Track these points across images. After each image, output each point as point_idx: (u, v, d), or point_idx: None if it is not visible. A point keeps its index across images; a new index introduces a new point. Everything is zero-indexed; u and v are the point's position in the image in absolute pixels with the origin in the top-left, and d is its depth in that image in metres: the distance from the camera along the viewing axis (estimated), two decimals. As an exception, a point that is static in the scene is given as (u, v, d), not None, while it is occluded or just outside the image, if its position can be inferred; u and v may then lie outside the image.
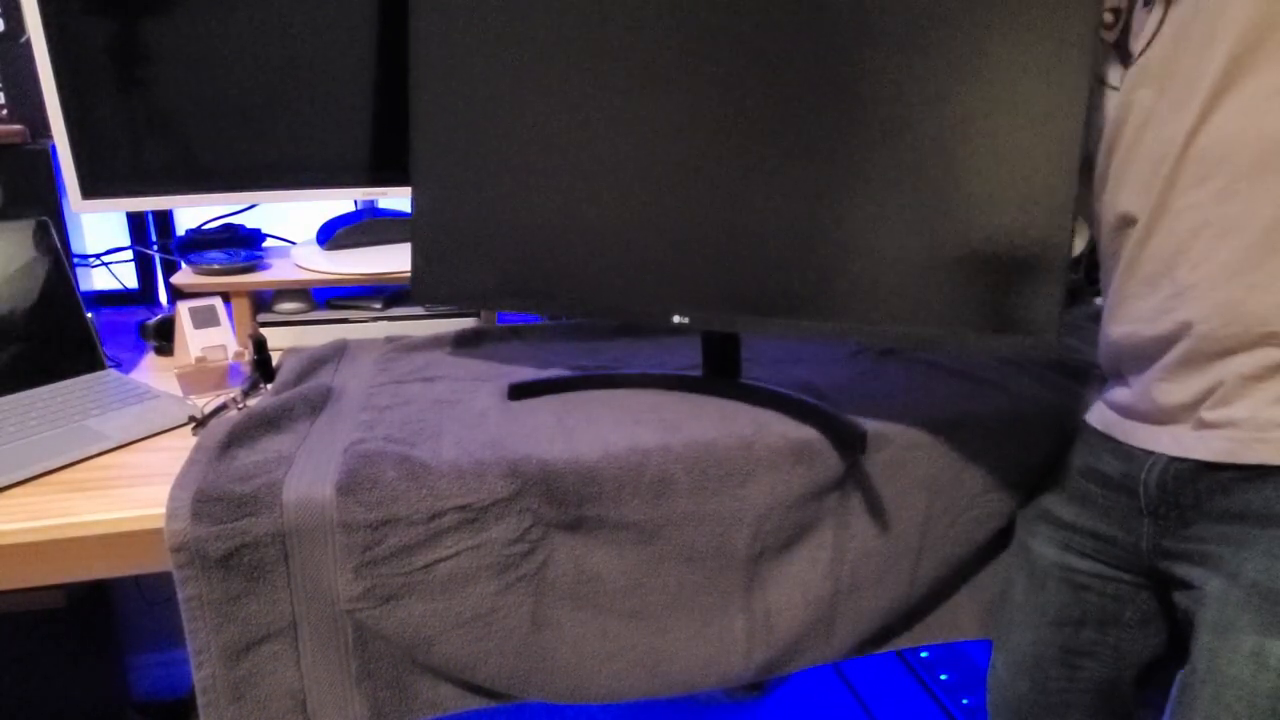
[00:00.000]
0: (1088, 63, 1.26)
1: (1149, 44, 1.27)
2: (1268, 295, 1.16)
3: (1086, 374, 1.65)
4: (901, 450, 1.48)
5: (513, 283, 1.57)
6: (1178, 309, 1.26)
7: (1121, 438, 1.39)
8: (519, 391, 1.57)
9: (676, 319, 1.54)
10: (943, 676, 2.84)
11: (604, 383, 1.66)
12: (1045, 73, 1.27)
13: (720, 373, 1.64)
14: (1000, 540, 1.61)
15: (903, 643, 1.63)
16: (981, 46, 1.30)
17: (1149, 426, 1.34)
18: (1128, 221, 1.31)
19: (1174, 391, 1.29)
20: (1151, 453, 1.33)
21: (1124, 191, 1.32)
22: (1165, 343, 1.29)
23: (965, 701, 2.72)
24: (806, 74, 1.42)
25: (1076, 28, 1.25)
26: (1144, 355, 1.34)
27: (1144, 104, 1.29)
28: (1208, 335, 1.23)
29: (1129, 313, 1.34)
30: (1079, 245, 2.22)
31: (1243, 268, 1.18)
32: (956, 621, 1.64)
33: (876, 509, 1.50)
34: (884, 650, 1.63)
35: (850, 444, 1.46)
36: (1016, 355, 1.73)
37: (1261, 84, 1.14)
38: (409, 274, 1.89)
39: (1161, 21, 1.25)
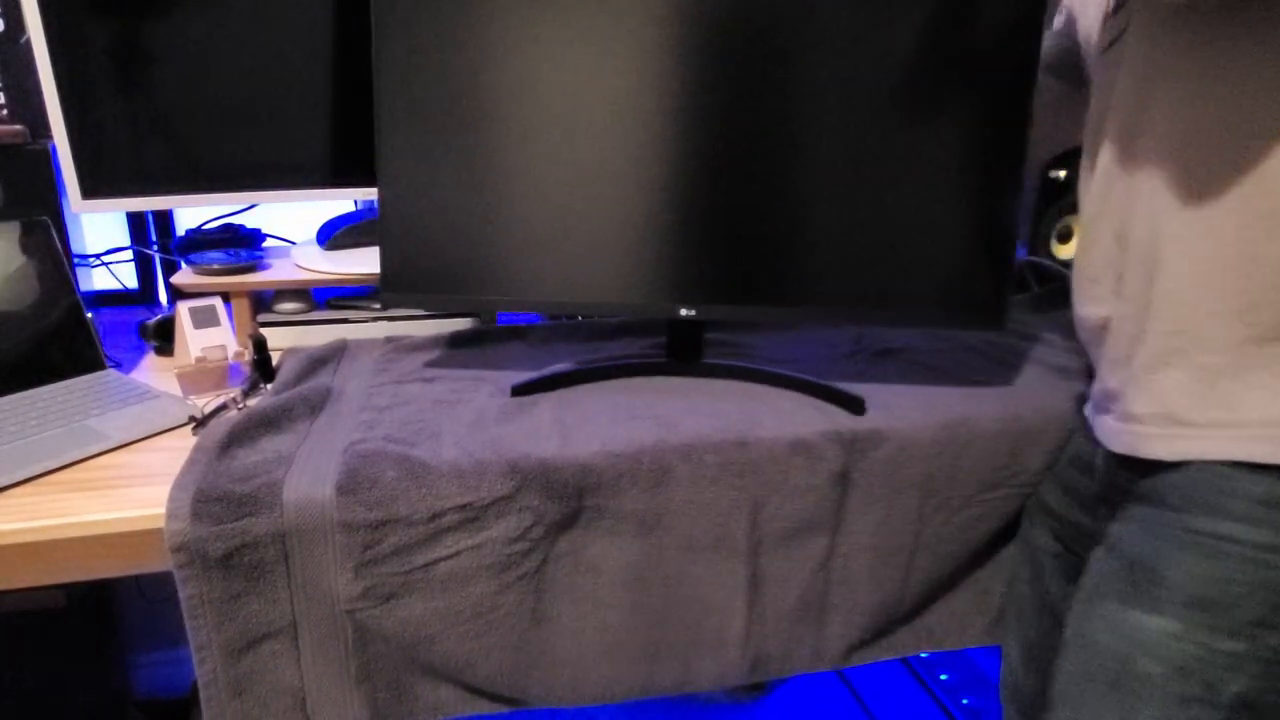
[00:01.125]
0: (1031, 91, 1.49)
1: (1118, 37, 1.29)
2: (1168, 284, 1.18)
3: (1085, 375, 1.65)
4: (896, 449, 1.48)
5: (504, 284, 1.57)
6: (1110, 297, 1.30)
7: (1089, 425, 1.41)
8: (521, 390, 1.57)
9: (684, 312, 1.57)
10: (943, 676, 2.85)
11: (604, 374, 1.67)
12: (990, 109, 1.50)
13: (684, 358, 1.70)
14: (1000, 542, 1.61)
15: (906, 647, 1.63)
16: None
17: (1098, 415, 1.37)
18: (1088, 202, 1.35)
19: (1107, 379, 1.33)
20: (1099, 441, 1.35)
21: (1090, 173, 1.35)
22: (1100, 329, 1.33)
23: (965, 701, 2.72)
24: (796, 87, 1.46)
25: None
26: (1092, 341, 1.38)
27: (1102, 89, 1.32)
28: (1122, 320, 1.27)
29: (1082, 296, 1.37)
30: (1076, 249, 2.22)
31: (1154, 259, 1.20)
32: (962, 627, 1.64)
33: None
34: (887, 655, 1.63)
35: (850, 408, 1.53)
36: (1012, 356, 1.75)
37: (1180, 85, 1.16)
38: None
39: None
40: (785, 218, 1.54)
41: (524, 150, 1.51)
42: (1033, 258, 2.22)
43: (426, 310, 1.95)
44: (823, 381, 1.61)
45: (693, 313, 1.58)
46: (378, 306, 1.97)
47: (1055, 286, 2.17)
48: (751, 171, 1.52)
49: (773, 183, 1.52)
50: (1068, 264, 2.21)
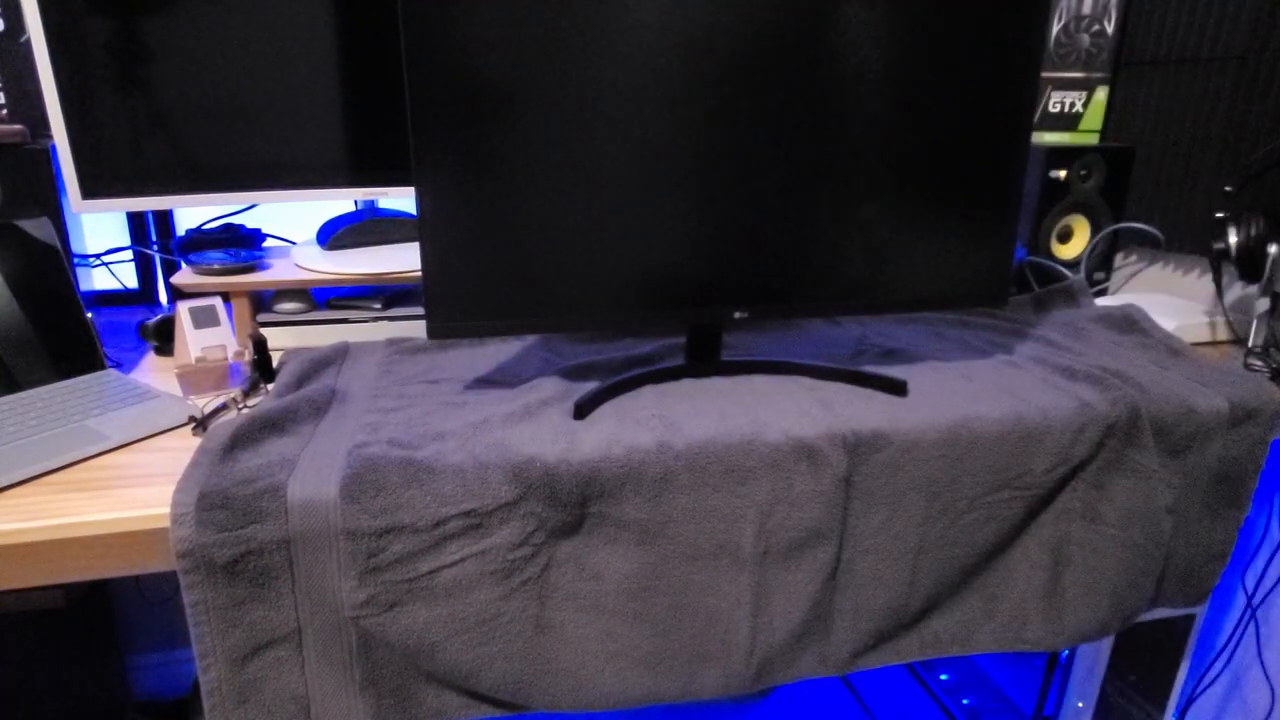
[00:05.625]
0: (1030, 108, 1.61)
1: None
2: None
3: (1092, 378, 1.65)
4: (900, 452, 1.48)
5: (550, 307, 1.55)
6: None
7: None
8: (586, 409, 1.55)
9: (737, 315, 1.61)
10: (943, 676, 2.85)
11: (656, 377, 1.67)
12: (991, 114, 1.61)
13: (703, 359, 1.70)
14: (1006, 546, 1.61)
15: (911, 653, 1.63)
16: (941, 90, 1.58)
17: None
18: None
19: None
20: None
21: None
22: None
23: (965, 701, 2.72)
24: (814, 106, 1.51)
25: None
26: None
27: None
28: None
29: None
30: (1079, 247, 2.22)
31: None
32: (968, 633, 1.64)
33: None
34: (892, 661, 1.62)
35: (892, 391, 1.61)
36: (1014, 356, 1.75)
37: None
38: (409, 274, 1.90)
39: None
40: (817, 223, 1.58)
41: (571, 164, 1.49)
42: (1034, 258, 2.22)
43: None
44: (859, 369, 1.65)
45: (745, 314, 1.61)
46: (378, 306, 1.97)
47: (1056, 286, 2.17)
48: (788, 182, 1.54)
49: (806, 192, 1.55)
50: (1068, 264, 2.21)
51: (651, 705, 1.50)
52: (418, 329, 1.95)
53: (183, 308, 1.71)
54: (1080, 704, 2.16)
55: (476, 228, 1.45)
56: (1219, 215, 1.91)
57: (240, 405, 1.58)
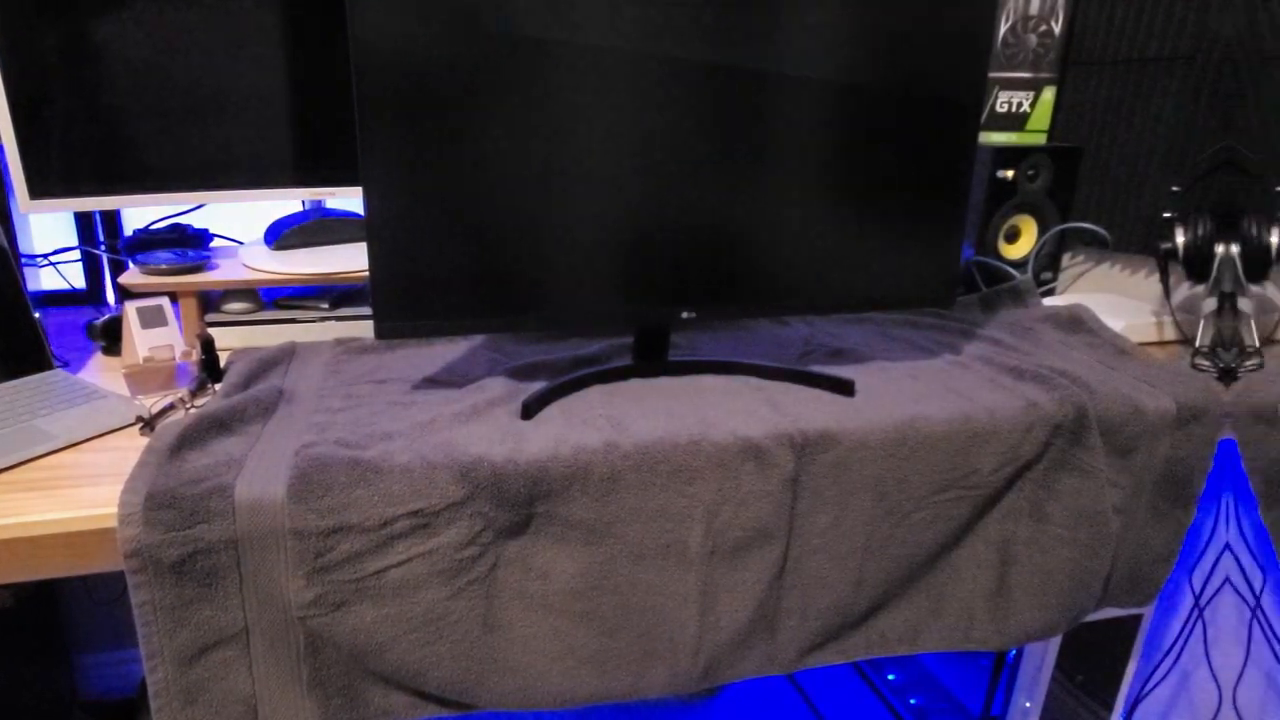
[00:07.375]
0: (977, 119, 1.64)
1: None
2: None
3: (1039, 378, 1.65)
4: (848, 451, 1.48)
5: (497, 307, 1.54)
6: None
7: None
8: (534, 408, 1.54)
9: (685, 315, 1.61)
10: (890, 676, 2.86)
11: (603, 377, 1.68)
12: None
13: (650, 359, 1.71)
14: (953, 546, 1.61)
15: (859, 651, 1.63)
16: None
17: None
18: None
19: None
20: None
21: None
22: None
23: (913, 702, 2.73)
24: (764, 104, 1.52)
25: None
26: None
27: None
28: None
29: None
30: (1026, 246, 2.23)
31: None
32: (915, 632, 1.64)
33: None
34: (839, 659, 1.63)
35: (839, 390, 1.62)
36: (961, 356, 1.76)
37: None
38: (356, 274, 1.90)
39: None
40: (765, 223, 1.58)
41: (517, 165, 1.48)
42: (980, 257, 2.23)
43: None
44: (806, 368, 1.66)
45: (693, 314, 1.61)
46: (325, 306, 1.97)
47: (1003, 286, 2.18)
48: (736, 182, 1.55)
49: (754, 192, 1.56)
50: (1015, 264, 2.22)
51: (599, 704, 1.50)
52: (365, 329, 1.95)
53: (130, 308, 1.70)
54: (1028, 704, 2.17)
55: (423, 228, 1.45)
56: (1166, 215, 1.93)
57: (188, 405, 1.58)
